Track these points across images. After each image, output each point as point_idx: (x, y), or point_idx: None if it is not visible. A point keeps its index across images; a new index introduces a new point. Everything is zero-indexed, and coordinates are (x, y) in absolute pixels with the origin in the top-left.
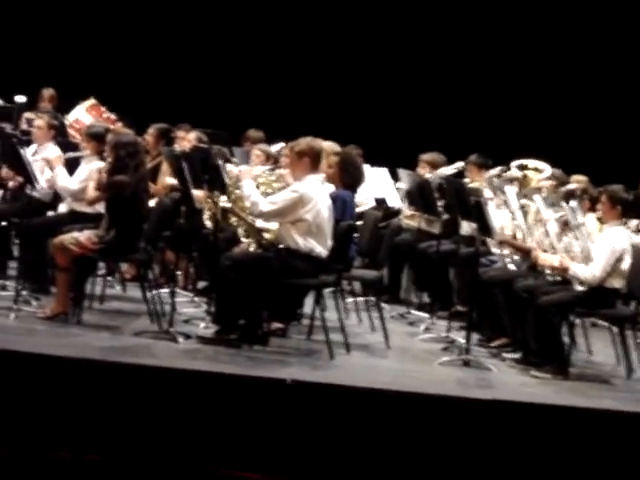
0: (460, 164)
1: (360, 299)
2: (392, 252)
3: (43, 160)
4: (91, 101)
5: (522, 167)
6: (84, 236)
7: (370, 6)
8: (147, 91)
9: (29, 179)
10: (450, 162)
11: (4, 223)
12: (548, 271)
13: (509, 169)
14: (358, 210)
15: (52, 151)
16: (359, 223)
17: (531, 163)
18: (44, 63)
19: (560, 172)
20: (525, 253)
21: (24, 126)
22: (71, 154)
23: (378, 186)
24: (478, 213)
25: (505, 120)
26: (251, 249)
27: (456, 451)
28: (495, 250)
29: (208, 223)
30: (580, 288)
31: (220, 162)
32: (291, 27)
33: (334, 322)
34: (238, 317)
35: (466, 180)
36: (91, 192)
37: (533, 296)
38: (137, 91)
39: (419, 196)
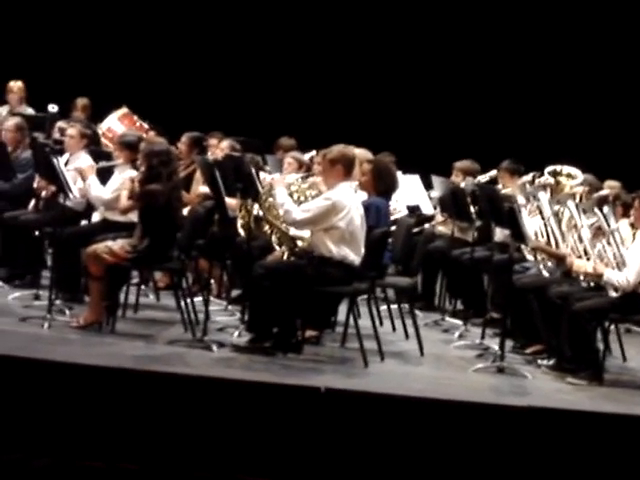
0: (494, 172)
1: (394, 306)
2: (425, 259)
3: (76, 170)
4: (123, 110)
5: (555, 173)
6: (117, 245)
7: (402, 14)
8: (179, 99)
9: (62, 188)
10: (484, 169)
11: (37, 233)
12: (582, 277)
13: (542, 175)
14: (392, 217)
15: (85, 160)
16: (393, 229)
17: (564, 169)
18: (77, 72)
19: (593, 178)
20: (559, 259)
21: (57, 135)
22: (104, 163)
23: (411, 193)
24: (511, 220)
25: (537, 126)
26: (284, 257)
27: (492, 459)
28: (529, 257)
29: (241, 231)
30: (614, 294)
31: (253, 170)
32: (324, 36)
33: (368, 330)
34: (272, 325)
35: (499, 186)
36: (124, 201)
37: (567, 302)
38: (170, 99)
39: (452, 203)
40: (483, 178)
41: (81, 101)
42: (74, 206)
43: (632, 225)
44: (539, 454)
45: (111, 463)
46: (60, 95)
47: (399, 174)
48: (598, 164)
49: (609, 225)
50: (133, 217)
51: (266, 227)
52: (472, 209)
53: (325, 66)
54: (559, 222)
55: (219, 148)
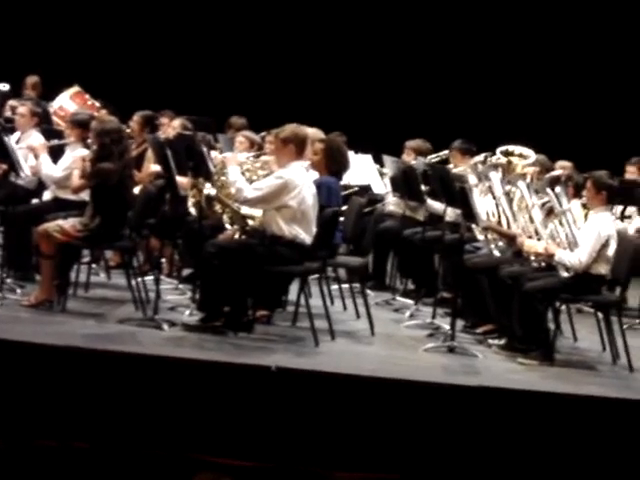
0: (445, 152)
1: (345, 286)
2: (377, 239)
3: (27, 148)
4: (75, 88)
5: (507, 153)
6: (68, 224)
7: None
8: (131, 78)
9: (13, 167)
10: (435, 149)
11: None
12: (533, 257)
13: (494, 155)
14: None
15: (36, 138)
16: (344, 209)
17: (516, 149)
18: (27, 50)
19: (545, 158)
20: (510, 239)
21: (8, 114)
22: (55, 141)
23: (362, 173)
24: (463, 199)
25: (489, 106)
26: (236, 236)
27: (441, 438)
28: (480, 237)
29: (192, 210)
30: (565, 274)
31: (204, 149)
32: (273, 14)
33: (319, 309)
34: (223, 304)
35: (450, 166)
36: (76, 180)
37: (518, 282)
38: (121, 78)
39: (404, 183)
40: (434, 158)
41: (31, 79)
42: (25, 184)
43: (584, 206)
44: (490, 433)
45: (63, 442)
46: (10, 74)
47: (351, 154)
48: (549, 144)
49: (561, 205)
50: (84, 196)
51: (217, 206)
52: (423, 189)
53: (276, 46)
54: (510, 202)
55: (170, 127)
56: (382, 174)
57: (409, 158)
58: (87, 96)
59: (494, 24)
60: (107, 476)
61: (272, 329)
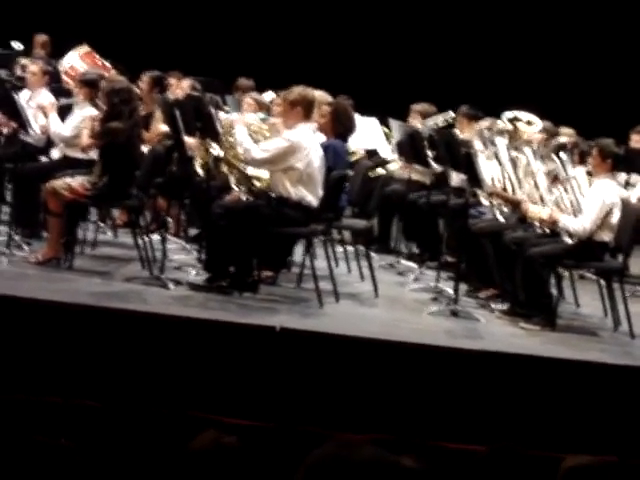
0: (450, 114)
1: (350, 248)
2: (382, 202)
3: (37, 106)
4: (85, 48)
5: (514, 119)
6: (76, 182)
7: None
8: (140, 38)
9: (23, 125)
10: (441, 112)
11: None
12: (537, 223)
13: (500, 121)
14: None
15: (45, 97)
16: (350, 173)
17: (523, 116)
18: (39, 9)
19: (551, 125)
20: (515, 205)
21: (18, 72)
22: (64, 100)
23: (368, 136)
24: (468, 164)
25: (495, 71)
26: (242, 197)
27: (443, 400)
28: (485, 202)
29: (200, 171)
30: (569, 241)
31: (213, 110)
32: None
33: (324, 271)
34: (229, 264)
35: (456, 131)
36: (85, 139)
37: (522, 248)
38: (131, 38)
39: (410, 147)
40: (440, 120)
41: (40, 38)
42: (34, 142)
43: (589, 173)
44: (491, 398)
45: (69, 399)
46: (20, 32)
47: (357, 117)
48: (554, 111)
49: (566, 172)
50: (93, 154)
51: (224, 167)
52: (430, 153)
53: (283, 8)
54: (516, 168)
55: (179, 87)
56: (388, 137)
57: (415, 121)
58: (97, 56)
59: None
60: (112, 433)
61: (277, 290)
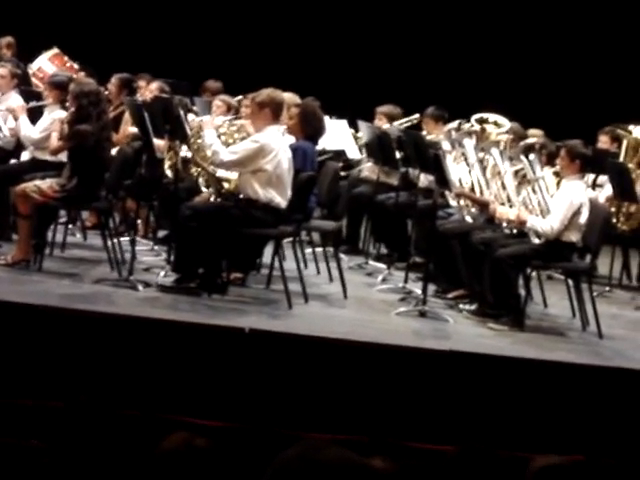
0: (416, 116)
1: (319, 249)
2: (351, 203)
3: (6, 109)
4: (54, 50)
5: (481, 121)
6: (46, 184)
7: None
8: (109, 41)
9: None
10: (407, 114)
11: None
12: (505, 224)
13: (468, 122)
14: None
15: (15, 100)
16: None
17: (491, 117)
18: (3, 12)
19: (518, 126)
20: (483, 206)
21: None
22: (34, 103)
23: (337, 138)
24: (436, 166)
25: (462, 72)
26: (211, 199)
27: (412, 401)
28: (453, 203)
29: (169, 172)
30: (537, 241)
31: (181, 112)
32: None
33: (293, 272)
34: (197, 266)
35: (423, 133)
36: (54, 142)
37: (490, 248)
38: (99, 41)
39: (378, 148)
40: (405, 122)
41: (5, 40)
42: (4, 145)
43: (556, 174)
44: (460, 398)
45: (38, 401)
46: None
47: (326, 119)
48: (522, 112)
49: (534, 173)
50: (62, 157)
51: (193, 169)
52: (397, 155)
53: (252, 10)
54: (484, 169)
55: (148, 90)
56: (357, 139)
57: (381, 123)
58: (66, 58)
59: None
60: (81, 435)
61: (246, 291)
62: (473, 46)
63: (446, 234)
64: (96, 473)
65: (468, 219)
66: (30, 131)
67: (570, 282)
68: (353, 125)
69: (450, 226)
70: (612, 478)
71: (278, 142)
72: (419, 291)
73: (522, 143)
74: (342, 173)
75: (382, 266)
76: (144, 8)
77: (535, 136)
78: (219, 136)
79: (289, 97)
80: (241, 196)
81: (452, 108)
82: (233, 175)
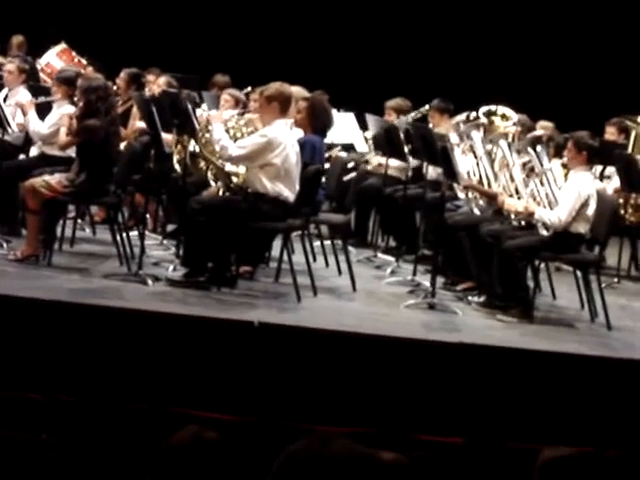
0: (426, 107)
1: (327, 243)
2: (359, 196)
3: (16, 104)
4: (62, 46)
5: (489, 113)
6: (55, 179)
7: None
8: (117, 35)
9: (1, 123)
10: (415, 107)
11: None
12: (513, 216)
13: (476, 114)
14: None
15: (23, 95)
16: (327, 167)
17: (499, 110)
18: (13, 9)
19: (526, 118)
20: (491, 198)
21: None
22: (42, 98)
23: (345, 131)
24: (444, 158)
25: (470, 64)
26: (220, 193)
27: (421, 393)
28: (461, 195)
29: (177, 167)
30: (545, 233)
31: (189, 106)
32: None
33: (301, 265)
34: (206, 260)
35: (429, 125)
36: (63, 137)
37: (498, 240)
38: (107, 35)
39: (386, 141)
40: (415, 114)
41: (16, 39)
42: (12, 140)
43: (564, 165)
44: (469, 390)
45: (48, 395)
46: None
47: (334, 112)
48: (530, 104)
49: (542, 165)
50: (71, 152)
51: (202, 163)
52: (406, 147)
53: (260, 4)
54: (491, 161)
55: (156, 84)
56: (365, 137)
57: (390, 118)
58: (74, 53)
59: None
60: (90, 428)
61: (255, 285)
62: (481, 38)
63: (454, 226)
64: (107, 467)
65: (476, 211)
66: (39, 126)
67: (578, 274)
68: (361, 120)
69: (458, 218)
70: (620, 469)
71: (286, 136)
72: (428, 283)
73: (530, 135)
74: (350, 165)
75: (391, 259)
76: (152, 3)
77: (545, 128)
78: (227, 130)
79: (297, 91)
80: (249, 190)
81: (460, 101)
82: (241, 169)
